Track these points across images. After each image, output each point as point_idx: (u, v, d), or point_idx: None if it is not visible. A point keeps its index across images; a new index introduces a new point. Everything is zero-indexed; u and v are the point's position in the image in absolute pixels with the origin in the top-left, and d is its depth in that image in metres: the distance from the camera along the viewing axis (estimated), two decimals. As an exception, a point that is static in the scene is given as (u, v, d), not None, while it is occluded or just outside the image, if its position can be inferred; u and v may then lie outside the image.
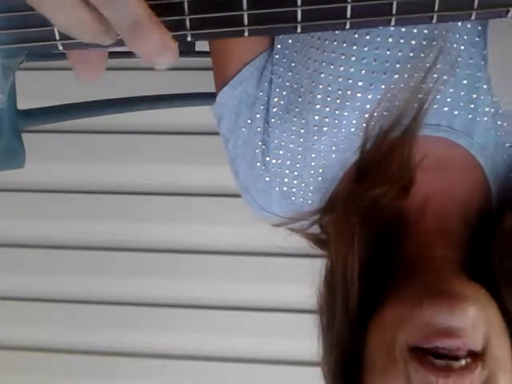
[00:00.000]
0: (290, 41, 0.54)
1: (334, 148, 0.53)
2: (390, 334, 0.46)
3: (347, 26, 0.27)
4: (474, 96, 0.51)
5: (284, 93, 0.54)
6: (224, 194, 1.40)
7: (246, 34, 0.27)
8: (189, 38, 0.28)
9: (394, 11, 0.27)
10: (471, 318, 0.44)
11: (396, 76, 0.50)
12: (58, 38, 0.28)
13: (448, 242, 0.51)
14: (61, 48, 0.28)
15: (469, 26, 0.50)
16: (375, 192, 0.51)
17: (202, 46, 1.04)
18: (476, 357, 0.43)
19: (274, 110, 0.54)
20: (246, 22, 0.27)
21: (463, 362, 0.43)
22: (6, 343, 1.55)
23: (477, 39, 0.50)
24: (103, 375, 1.53)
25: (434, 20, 0.27)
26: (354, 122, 0.52)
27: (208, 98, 0.89)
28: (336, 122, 0.52)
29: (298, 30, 0.27)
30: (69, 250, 1.49)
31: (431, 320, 0.44)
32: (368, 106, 0.51)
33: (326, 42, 0.51)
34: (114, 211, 1.47)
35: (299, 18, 0.27)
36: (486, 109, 0.51)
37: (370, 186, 0.51)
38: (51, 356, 1.54)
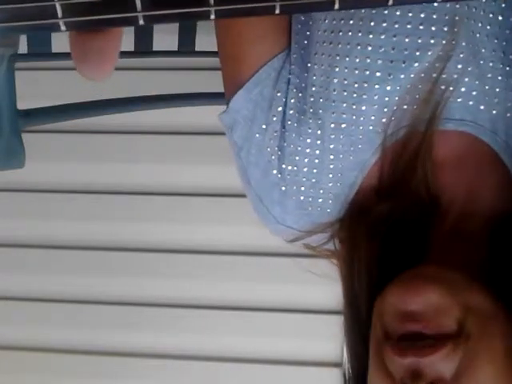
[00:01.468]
0: (305, 41, 0.51)
1: (352, 148, 0.50)
2: (374, 326, 0.45)
3: (390, 2, 0.24)
4: (497, 90, 0.48)
5: (300, 94, 0.51)
6: (224, 194, 1.40)
7: (278, 10, 0.23)
8: (212, 16, 0.23)
9: None
10: (430, 300, 0.41)
11: (416, 64, 0.47)
12: (60, 15, 0.23)
13: (464, 246, 0.48)
14: (63, 28, 0.24)
15: (491, 15, 0.47)
16: (399, 211, 0.49)
17: (201, 46, 1.04)
18: (446, 338, 0.41)
19: (291, 112, 0.51)
20: None
21: (429, 341, 0.40)
22: (6, 343, 1.54)
23: (497, 29, 0.48)
24: (103, 375, 1.53)
25: None
26: (373, 117, 0.49)
27: (208, 98, 0.90)
28: (354, 117, 0.49)
29: (336, 6, 0.23)
30: (69, 249, 1.49)
31: (393, 304, 0.43)
32: (387, 99, 0.48)
33: (340, 33, 0.48)
34: (114, 211, 1.47)
35: None
36: (509, 104, 0.49)
37: (394, 205, 0.49)
38: (51, 356, 1.53)
